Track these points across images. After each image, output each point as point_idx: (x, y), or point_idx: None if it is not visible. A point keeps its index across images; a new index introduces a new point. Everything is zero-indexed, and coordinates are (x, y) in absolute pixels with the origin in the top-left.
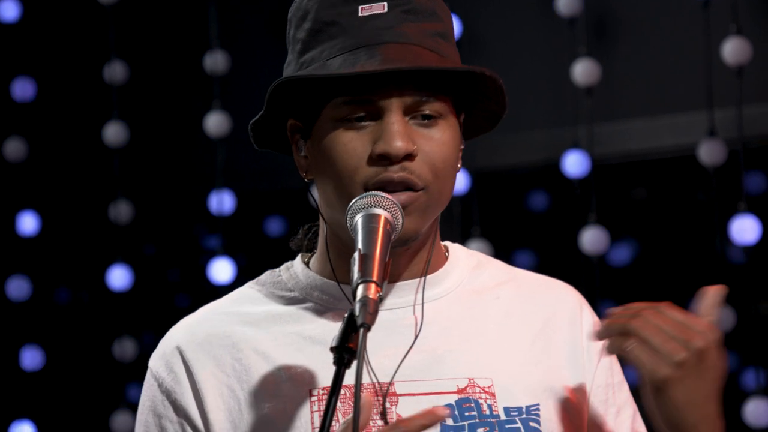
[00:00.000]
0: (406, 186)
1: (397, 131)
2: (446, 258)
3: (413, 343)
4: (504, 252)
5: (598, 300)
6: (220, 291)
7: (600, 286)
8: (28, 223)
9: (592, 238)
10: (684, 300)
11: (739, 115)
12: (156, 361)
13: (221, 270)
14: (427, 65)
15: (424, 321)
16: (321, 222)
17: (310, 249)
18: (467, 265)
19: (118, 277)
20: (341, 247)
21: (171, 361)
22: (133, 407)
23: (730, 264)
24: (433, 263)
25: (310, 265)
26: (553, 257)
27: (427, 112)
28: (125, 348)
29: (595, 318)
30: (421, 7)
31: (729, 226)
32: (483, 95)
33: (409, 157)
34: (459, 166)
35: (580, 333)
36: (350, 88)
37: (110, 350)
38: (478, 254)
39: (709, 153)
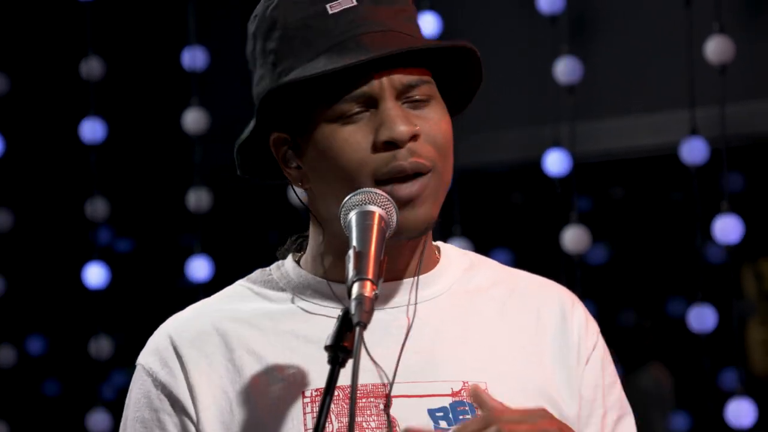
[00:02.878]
0: (416, 172)
1: (397, 115)
2: (438, 258)
3: (403, 345)
4: (484, 250)
5: (580, 300)
6: (197, 289)
7: (581, 285)
8: (3, 219)
9: (573, 237)
10: (663, 298)
11: (721, 113)
12: (148, 357)
13: (199, 268)
14: (416, 46)
15: (419, 322)
16: (312, 225)
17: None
18: (460, 265)
19: (95, 274)
20: (340, 248)
21: (165, 355)
22: (109, 405)
23: (709, 263)
24: (427, 262)
25: (302, 264)
26: (533, 256)
27: (418, 96)
28: (101, 346)
29: (588, 316)
30: None
31: (711, 226)
32: (458, 76)
33: (414, 138)
34: None
35: (570, 334)
36: (340, 84)
37: (86, 348)
38: (470, 254)
39: (691, 152)
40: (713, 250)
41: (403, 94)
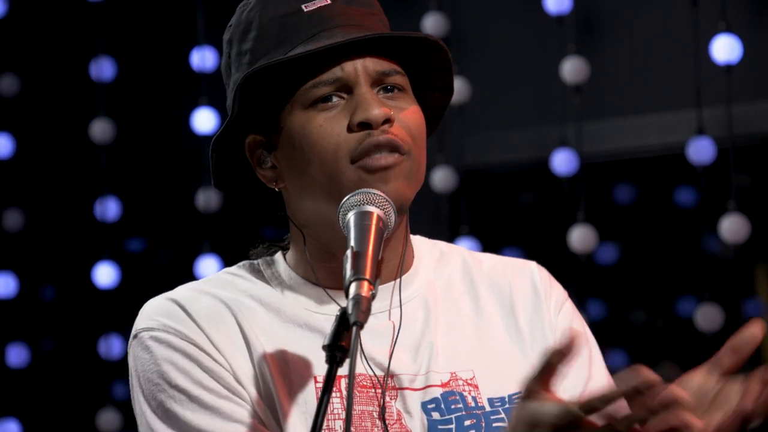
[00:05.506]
0: (392, 147)
1: (373, 99)
2: (413, 255)
3: (395, 342)
4: (492, 250)
5: (585, 299)
6: None
7: (588, 285)
8: (13, 219)
9: (580, 237)
10: (670, 298)
11: (728, 113)
12: (153, 320)
13: (208, 267)
14: (385, 33)
15: (403, 322)
16: (294, 232)
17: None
18: (431, 257)
19: (105, 274)
20: (322, 250)
21: (180, 317)
22: (119, 405)
23: (718, 263)
24: (406, 261)
25: (291, 264)
26: (541, 256)
27: (391, 84)
28: (111, 346)
29: (552, 280)
30: None
31: (718, 225)
32: (432, 80)
33: (388, 122)
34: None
35: (543, 297)
36: (315, 70)
37: (96, 348)
38: (439, 243)
39: (698, 152)
40: (721, 249)
41: (377, 83)
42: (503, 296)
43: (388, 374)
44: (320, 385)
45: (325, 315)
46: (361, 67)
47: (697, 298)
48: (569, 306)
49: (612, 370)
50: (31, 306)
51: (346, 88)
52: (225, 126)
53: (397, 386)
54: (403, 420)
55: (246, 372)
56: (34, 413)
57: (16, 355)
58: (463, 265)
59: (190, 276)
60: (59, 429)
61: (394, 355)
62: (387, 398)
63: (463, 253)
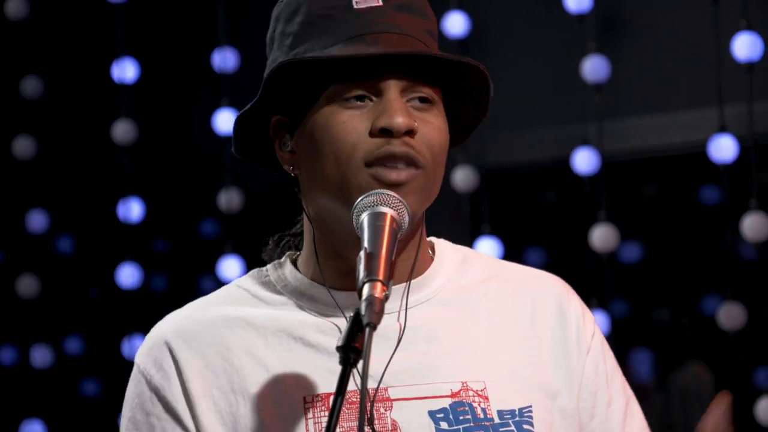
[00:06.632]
0: (408, 161)
1: (399, 107)
2: (431, 257)
3: (395, 350)
4: (514, 249)
5: (608, 297)
6: None
7: (610, 283)
8: (37, 221)
9: (601, 236)
10: (694, 297)
11: (749, 111)
12: (143, 357)
13: (230, 268)
14: (428, 51)
15: (414, 325)
16: (306, 222)
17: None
18: (453, 260)
19: (128, 274)
20: (329, 247)
21: (159, 357)
22: None
23: (741, 261)
24: (421, 264)
25: (299, 265)
26: (563, 254)
27: (423, 95)
28: (134, 346)
29: (584, 307)
30: (413, 5)
31: (741, 224)
32: (466, 97)
33: (410, 133)
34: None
35: (569, 325)
36: (350, 71)
37: (120, 348)
38: (464, 249)
39: (720, 150)
40: (744, 248)
41: (408, 92)
42: (525, 307)
43: (381, 384)
44: (309, 405)
45: (326, 320)
46: (395, 77)
47: (722, 296)
48: (599, 336)
49: (637, 370)
50: (55, 307)
51: (377, 90)
52: (253, 102)
53: (404, 395)
54: (399, 430)
55: (216, 410)
56: (58, 414)
57: (41, 356)
58: (487, 272)
59: (212, 276)
60: (83, 430)
61: (403, 361)
62: (382, 409)
63: (487, 259)
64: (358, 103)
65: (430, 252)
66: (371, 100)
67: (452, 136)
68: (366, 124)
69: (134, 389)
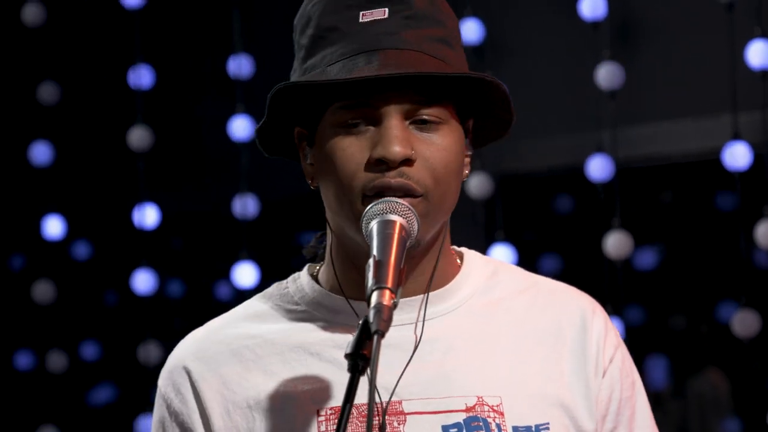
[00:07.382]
0: (404, 192)
1: (396, 136)
2: (459, 267)
3: (409, 361)
4: (528, 256)
5: (622, 305)
6: (244, 295)
7: (625, 290)
8: (53, 227)
9: (616, 243)
10: (709, 304)
11: (764, 118)
12: (164, 381)
13: (245, 275)
14: (424, 71)
15: (432, 337)
16: (328, 231)
17: (323, 257)
18: (482, 273)
19: (143, 281)
20: (345, 257)
21: (178, 381)
22: None
23: (755, 268)
24: (444, 274)
25: (318, 276)
26: (578, 261)
27: (426, 117)
28: (150, 352)
29: (609, 327)
30: (422, 14)
31: (755, 231)
32: (488, 101)
33: (408, 162)
34: (466, 173)
35: (589, 343)
36: (348, 93)
37: (135, 354)
38: (495, 261)
39: (734, 157)
40: (759, 255)
41: (410, 114)
42: (551, 322)
43: (394, 396)
44: (322, 418)
45: (343, 332)
46: (395, 100)
47: (737, 303)
48: (619, 363)
49: (653, 377)
50: (71, 312)
51: (375, 118)
52: (262, 122)
53: (418, 409)
54: None
55: (234, 428)
56: (73, 420)
57: (56, 361)
58: (516, 285)
59: (227, 282)
60: None
61: (418, 373)
62: (396, 423)
63: (519, 273)
64: (358, 128)
65: (459, 262)
66: (372, 125)
67: (489, 132)
68: (365, 152)
69: (158, 412)
